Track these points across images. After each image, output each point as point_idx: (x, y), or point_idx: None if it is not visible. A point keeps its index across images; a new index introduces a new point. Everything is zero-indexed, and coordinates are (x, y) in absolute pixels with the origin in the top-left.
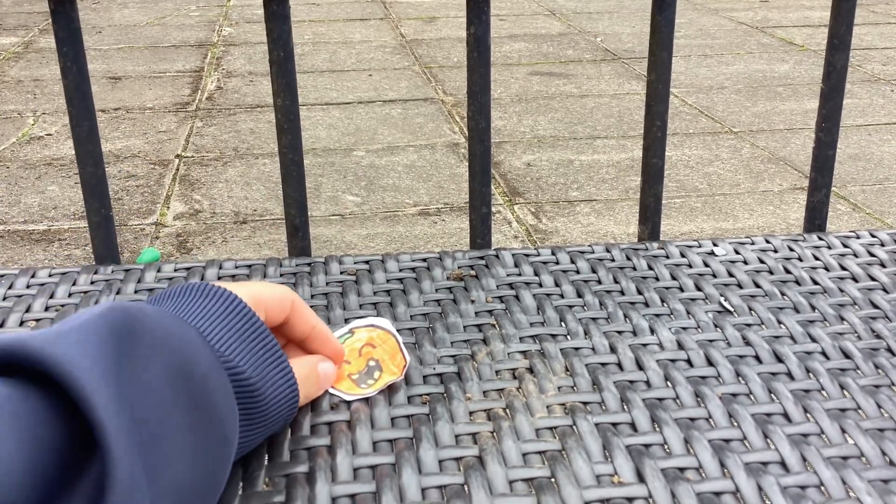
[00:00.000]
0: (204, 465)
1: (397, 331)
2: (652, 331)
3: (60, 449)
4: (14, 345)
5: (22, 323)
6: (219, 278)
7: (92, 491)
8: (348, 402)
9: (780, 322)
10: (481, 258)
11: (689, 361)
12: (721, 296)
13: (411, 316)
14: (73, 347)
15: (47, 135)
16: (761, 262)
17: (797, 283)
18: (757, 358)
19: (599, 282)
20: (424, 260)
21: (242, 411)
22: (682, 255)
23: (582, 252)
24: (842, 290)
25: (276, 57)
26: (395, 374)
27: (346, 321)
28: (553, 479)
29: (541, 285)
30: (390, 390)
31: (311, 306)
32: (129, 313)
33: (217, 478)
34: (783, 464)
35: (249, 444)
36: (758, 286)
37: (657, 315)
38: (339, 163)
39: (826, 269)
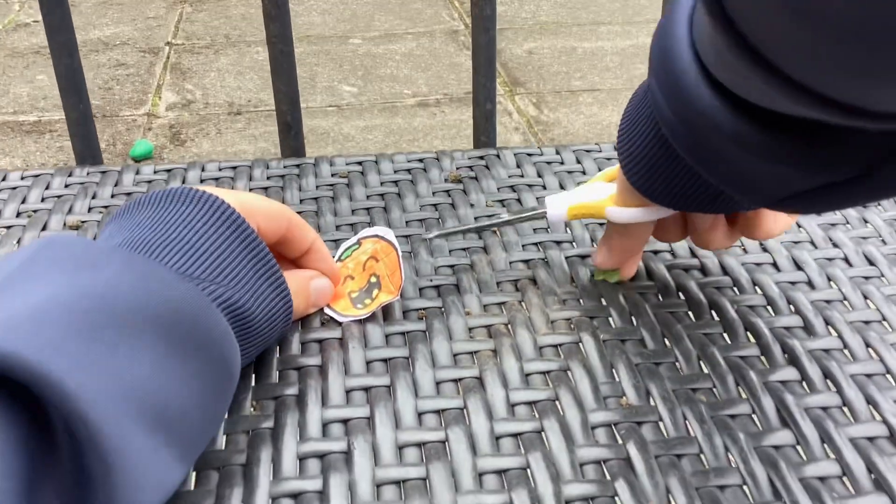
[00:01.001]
0: (208, 403)
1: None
2: None
3: (33, 448)
4: None
5: None
6: (202, 181)
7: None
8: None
9: (799, 226)
10: (481, 158)
11: (702, 269)
12: None
13: (406, 221)
14: (33, 340)
15: (34, 21)
16: None
17: None
18: (775, 265)
19: None
20: (421, 160)
21: (238, 336)
22: None
23: (588, 150)
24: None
25: None
26: (391, 293)
27: (354, 232)
28: (557, 402)
29: (545, 187)
30: (384, 307)
31: (301, 212)
32: (93, 281)
33: (222, 412)
34: (848, 349)
35: (243, 363)
36: None
37: None
38: (334, 51)
39: None
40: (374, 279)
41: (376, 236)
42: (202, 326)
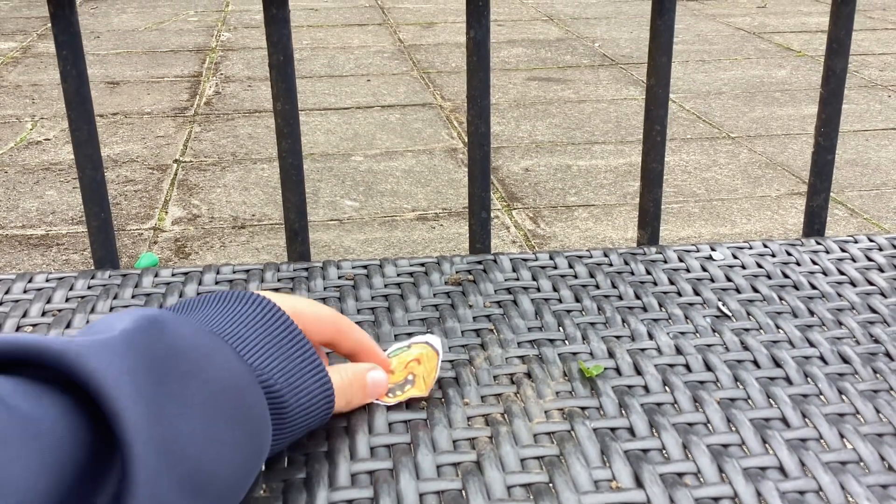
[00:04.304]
0: (239, 476)
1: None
2: (650, 336)
3: (84, 465)
4: (50, 351)
5: (18, 328)
6: (216, 283)
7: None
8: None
9: (778, 327)
10: (479, 263)
11: (687, 366)
12: (719, 300)
13: (409, 321)
14: (109, 361)
15: (45, 139)
16: (759, 266)
17: (795, 287)
18: (755, 363)
19: (597, 286)
20: (423, 265)
21: (273, 422)
22: (681, 260)
23: (580, 256)
24: (840, 295)
25: (275, 61)
26: (422, 390)
27: (410, 335)
28: (551, 485)
29: (539, 290)
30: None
31: None
32: (167, 328)
33: (246, 487)
34: (782, 469)
35: (275, 450)
36: (756, 291)
37: (655, 320)
38: (337, 168)
39: (824, 273)
40: (410, 377)
41: (426, 343)
42: (247, 402)
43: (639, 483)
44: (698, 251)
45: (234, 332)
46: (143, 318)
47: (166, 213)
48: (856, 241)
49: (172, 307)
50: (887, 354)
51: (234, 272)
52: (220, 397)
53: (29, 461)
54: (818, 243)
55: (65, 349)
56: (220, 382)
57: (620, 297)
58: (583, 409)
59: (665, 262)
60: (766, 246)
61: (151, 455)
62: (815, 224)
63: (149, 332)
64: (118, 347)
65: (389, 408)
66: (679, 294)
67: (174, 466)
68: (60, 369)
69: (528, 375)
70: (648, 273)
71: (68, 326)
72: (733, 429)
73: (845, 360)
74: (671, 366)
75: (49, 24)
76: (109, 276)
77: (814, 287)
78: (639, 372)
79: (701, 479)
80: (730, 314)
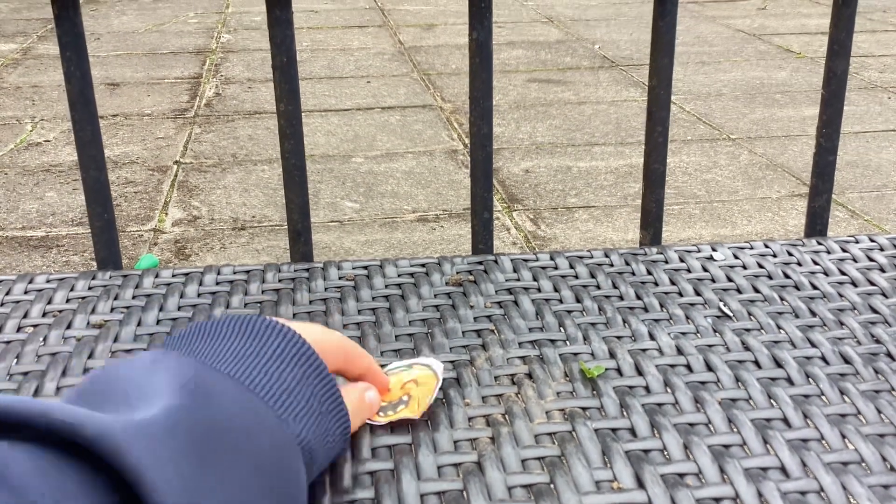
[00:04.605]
0: None
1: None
2: (651, 336)
3: None
4: (85, 433)
5: (19, 328)
6: (217, 284)
7: None
8: None
9: (779, 327)
10: (480, 263)
11: (688, 367)
12: (720, 301)
13: (410, 322)
14: (150, 449)
15: (45, 141)
16: (760, 266)
17: (796, 287)
18: (756, 363)
19: (598, 287)
20: (423, 265)
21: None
22: (682, 260)
23: (581, 257)
24: (841, 295)
25: (278, 62)
26: (414, 412)
27: (412, 356)
28: (552, 486)
29: (539, 290)
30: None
31: (310, 312)
32: (211, 399)
33: None
34: (783, 469)
35: None
36: (757, 291)
37: (656, 320)
38: (337, 169)
39: (825, 273)
40: (405, 398)
41: (426, 365)
42: (288, 472)
43: (640, 483)
44: (699, 251)
45: (269, 372)
46: (186, 388)
47: (166, 214)
48: (857, 242)
49: (196, 328)
50: (888, 355)
51: (235, 273)
52: (262, 472)
53: None
54: (819, 243)
55: (101, 433)
56: (263, 456)
57: (621, 298)
58: (584, 409)
59: (666, 262)
60: (767, 246)
61: None
62: (816, 225)
63: (192, 409)
64: (161, 432)
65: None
66: (680, 294)
67: None
68: (95, 453)
69: (529, 376)
70: (649, 273)
71: (69, 327)
72: (734, 429)
73: (847, 361)
74: (672, 366)
75: (49, 26)
76: (110, 277)
77: (815, 287)
78: (640, 372)
79: (702, 480)
80: (731, 314)
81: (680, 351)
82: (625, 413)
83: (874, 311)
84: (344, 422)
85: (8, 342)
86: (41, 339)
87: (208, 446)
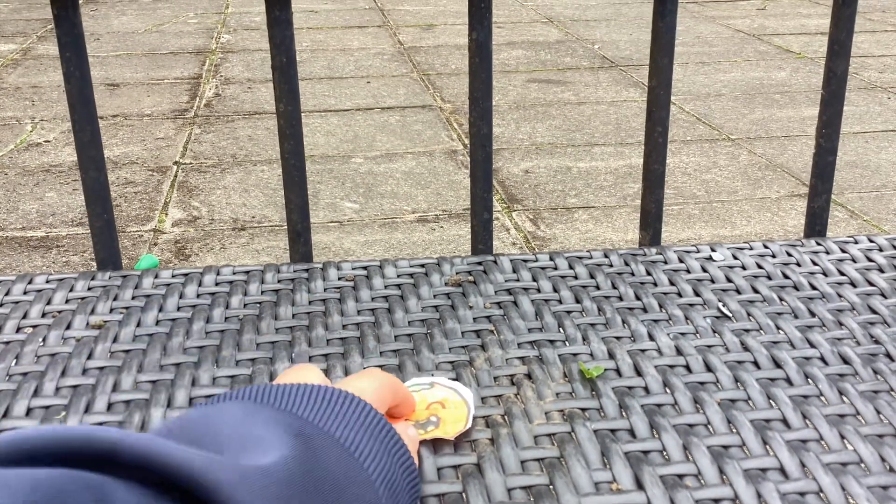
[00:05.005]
0: None
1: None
2: (650, 336)
3: None
4: (203, 481)
5: (19, 329)
6: (216, 284)
7: None
8: None
9: (778, 327)
10: (479, 264)
11: (687, 367)
12: (719, 301)
13: (409, 322)
14: (267, 496)
15: (45, 141)
16: (760, 267)
17: (796, 288)
18: (755, 363)
19: (598, 287)
20: (423, 266)
21: None
22: (681, 261)
23: (580, 257)
24: (840, 296)
25: (278, 62)
26: (448, 435)
27: (433, 374)
28: (552, 487)
29: (539, 291)
30: None
31: (309, 313)
32: (319, 454)
33: None
34: (782, 470)
35: None
36: (756, 291)
37: (655, 321)
38: (337, 169)
39: (824, 274)
40: (433, 418)
41: (453, 389)
42: None
43: (639, 485)
44: (698, 252)
45: (356, 444)
46: (299, 438)
47: (166, 214)
48: (856, 242)
49: (259, 391)
50: (888, 355)
51: (235, 273)
52: None
53: None
54: (818, 244)
55: (218, 485)
56: None
57: (621, 298)
58: (583, 410)
59: (665, 262)
60: (766, 247)
61: None
62: (816, 226)
63: (304, 461)
64: (278, 483)
65: None
66: (679, 295)
67: None
68: (208, 499)
69: (529, 377)
70: (648, 274)
71: (68, 328)
72: (734, 430)
73: (846, 361)
74: (671, 367)
75: (49, 27)
76: (109, 278)
77: (814, 288)
78: (639, 373)
79: (701, 481)
80: (730, 315)
81: (679, 351)
82: (624, 414)
83: (873, 311)
84: (416, 484)
85: (7, 342)
86: (40, 339)
87: (315, 499)
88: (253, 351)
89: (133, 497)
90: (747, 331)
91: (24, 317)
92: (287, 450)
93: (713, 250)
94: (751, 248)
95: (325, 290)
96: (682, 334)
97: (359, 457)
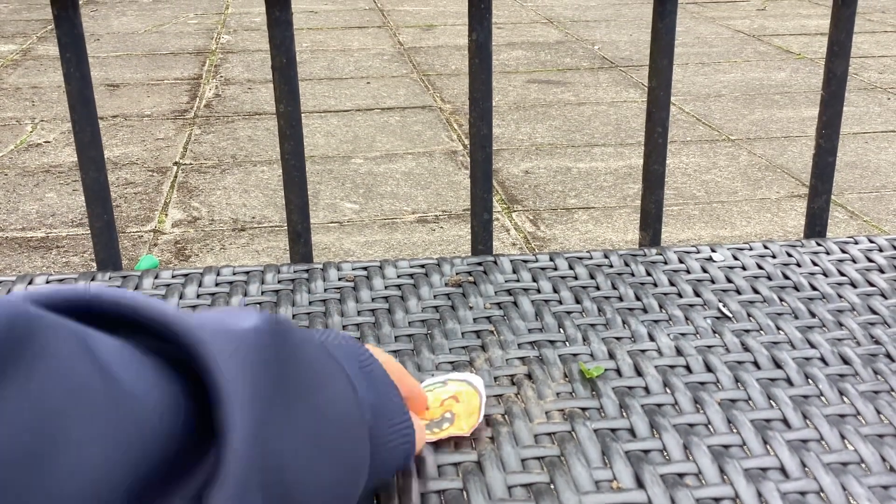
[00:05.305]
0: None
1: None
2: (650, 337)
3: (172, 457)
4: (174, 326)
5: None
6: (216, 285)
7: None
8: None
9: (778, 328)
10: (479, 264)
11: (687, 367)
12: (720, 302)
13: (409, 322)
14: (233, 350)
15: (45, 142)
16: (760, 267)
17: (796, 288)
18: (756, 364)
19: (598, 288)
20: (423, 266)
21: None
22: (681, 261)
23: (580, 258)
24: (840, 296)
25: (278, 63)
26: (463, 430)
27: (448, 371)
28: (552, 485)
29: (539, 291)
30: None
31: (310, 313)
32: (292, 335)
33: None
34: (783, 469)
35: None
36: (756, 292)
37: (655, 321)
38: (337, 170)
39: (824, 274)
40: (448, 415)
41: (464, 381)
42: (352, 439)
43: (640, 483)
44: (698, 252)
45: (345, 366)
46: (272, 319)
47: (166, 215)
48: (856, 243)
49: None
50: (888, 355)
51: (235, 274)
52: (329, 427)
53: (112, 444)
54: (818, 244)
55: (189, 328)
56: (332, 410)
57: (621, 299)
58: (583, 409)
59: (665, 263)
60: (766, 247)
61: (248, 462)
62: (816, 226)
63: (276, 335)
64: (245, 341)
65: None
66: (679, 295)
67: (268, 485)
68: (178, 346)
69: (529, 377)
70: (649, 274)
71: None
72: (734, 430)
73: (846, 361)
74: (672, 367)
75: (49, 27)
76: (109, 278)
77: (814, 288)
78: (639, 373)
79: (702, 480)
80: (730, 315)
81: (679, 352)
82: (624, 413)
83: (873, 311)
84: (408, 437)
85: None
86: None
87: (283, 374)
88: None
89: (111, 340)
90: (747, 331)
91: None
92: (263, 325)
93: (713, 251)
94: (751, 249)
95: (325, 290)
96: (683, 335)
97: (347, 372)
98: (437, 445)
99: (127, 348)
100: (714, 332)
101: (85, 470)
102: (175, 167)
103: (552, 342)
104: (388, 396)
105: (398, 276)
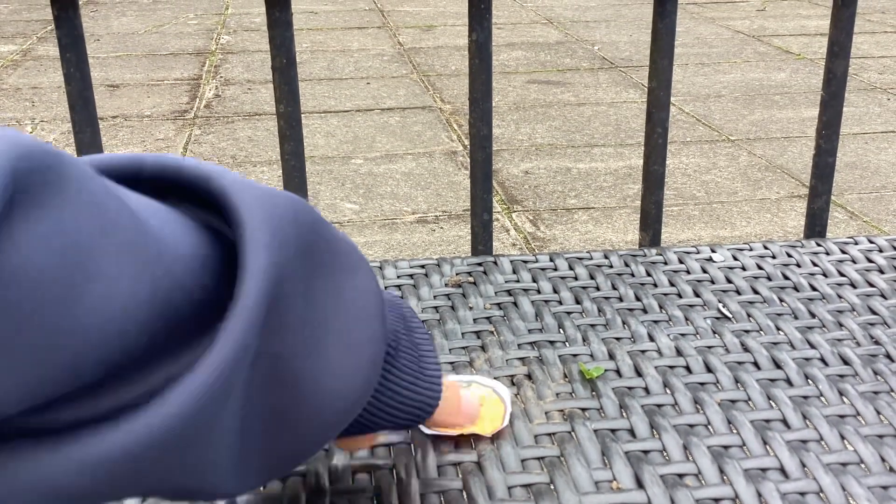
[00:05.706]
0: (321, 424)
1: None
2: (650, 337)
3: (192, 308)
4: (200, 173)
5: None
6: None
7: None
8: None
9: (778, 328)
10: (479, 265)
11: (687, 368)
12: (719, 302)
13: None
14: (257, 201)
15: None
16: (760, 268)
17: (795, 289)
18: (755, 364)
19: (598, 288)
20: (423, 266)
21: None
22: (681, 262)
23: (580, 258)
24: (840, 297)
25: (278, 63)
26: (484, 431)
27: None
28: (552, 485)
29: (539, 292)
30: None
31: None
32: (320, 218)
33: (314, 447)
34: (782, 470)
35: (350, 431)
36: (756, 292)
37: (655, 321)
38: (337, 170)
39: (824, 275)
40: None
41: (492, 389)
42: (368, 340)
43: (639, 484)
44: (698, 253)
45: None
46: (298, 199)
47: None
48: (856, 243)
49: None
50: (888, 356)
51: None
52: (347, 319)
53: (140, 283)
54: (818, 245)
55: (228, 187)
56: (354, 304)
57: (621, 299)
58: (583, 410)
59: (665, 263)
60: (766, 248)
61: (249, 325)
62: (816, 227)
63: (304, 211)
64: (272, 204)
65: None
66: (679, 296)
67: (265, 355)
68: (207, 194)
69: (529, 377)
70: (648, 275)
71: None
72: (734, 430)
73: (846, 362)
74: (671, 367)
75: (49, 28)
76: None
77: (814, 289)
78: (639, 373)
79: (702, 480)
80: (730, 316)
81: (679, 352)
82: (624, 414)
83: (873, 312)
84: (435, 374)
85: None
86: None
87: (307, 248)
88: None
89: (149, 200)
90: (747, 331)
91: None
92: (286, 196)
93: (713, 251)
94: (751, 249)
95: None
96: (683, 335)
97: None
98: (437, 445)
99: (167, 209)
100: (714, 332)
101: (115, 304)
102: None
103: (552, 342)
104: (420, 331)
105: (398, 277)
